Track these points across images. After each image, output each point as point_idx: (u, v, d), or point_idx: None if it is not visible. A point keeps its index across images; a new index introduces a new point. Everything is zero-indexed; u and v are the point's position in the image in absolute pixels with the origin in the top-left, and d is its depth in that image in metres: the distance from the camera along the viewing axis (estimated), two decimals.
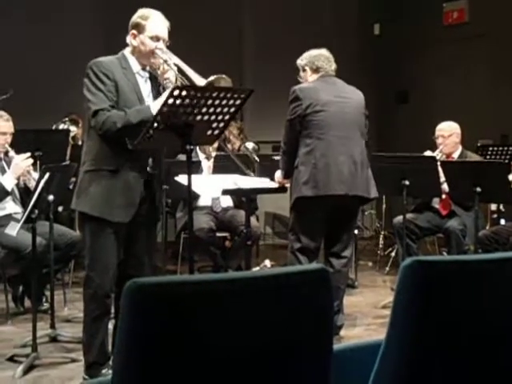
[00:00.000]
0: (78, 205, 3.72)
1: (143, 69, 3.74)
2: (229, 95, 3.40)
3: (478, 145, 7.37)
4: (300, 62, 4.82)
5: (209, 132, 3.53)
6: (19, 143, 5.38)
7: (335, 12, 9.44)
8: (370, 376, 1.76)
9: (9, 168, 5.17)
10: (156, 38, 3.66)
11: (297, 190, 4.58)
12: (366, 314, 5.57)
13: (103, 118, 3.53)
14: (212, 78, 3.51)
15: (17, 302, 5.51)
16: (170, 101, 3.20)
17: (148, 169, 3.74)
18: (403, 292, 1.65)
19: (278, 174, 4.83)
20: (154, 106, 3.49)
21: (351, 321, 5.32)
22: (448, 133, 6.09)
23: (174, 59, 3.64)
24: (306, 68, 4.78)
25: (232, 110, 3.47)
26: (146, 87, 3.75)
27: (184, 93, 3.21)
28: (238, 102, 3.46)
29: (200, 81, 3.53)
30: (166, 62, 3.62)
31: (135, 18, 3.72)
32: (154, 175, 3.79)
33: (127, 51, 3.76)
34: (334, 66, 4.77)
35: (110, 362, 3.71)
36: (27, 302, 5.44)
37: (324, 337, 1.75)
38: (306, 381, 1.73)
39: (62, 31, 7.91)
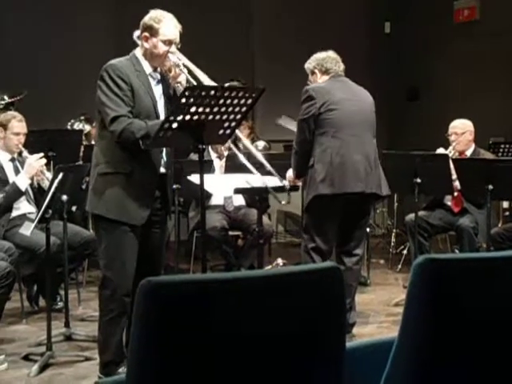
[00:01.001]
0: (95, 208, 3.72)
1: (154, 70, 3.75)
2: (240, 94, 3.41)
3: (490, 142, 7.35)
4: (308, 65, 4.81)
5: (221, 131, 3.55)
6: (32, 143, 5.41)
7: (345, 11, 9.43)
8: (382, 374, 1.77)
9: (22, 168, 5.20)
10: (169, 42, 3.66)
11: (313, 189, 4.56)
12: (379, 311, 5.57)
13: (123, 125, 3.53)
14: (226, 85, 3.54)
15: (31, 301, 5.54)
16: (183, 100, 3.22)
17: (161, 168, 3.76)
18: (415, 290, 1.66)
19: (290, 173, 4.83)
20: None
21: (363, 318, 5.32)
22: (461, 130, 6.08)
23: (186, 62, 3.66)
24: (316, 71, 4.76)
25: (244, 109, 3.48)
26: (157, 89, 3.75)
27: (196, 92, 3.23)
28: (249, 101, 3.47)
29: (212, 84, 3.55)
30: (177, 65, 3.63)
31: (148, 20, 3.70)
32: (166, 174, 3.81)
33: (138, 53, 3.75)
34: (342, 66, 4.77)
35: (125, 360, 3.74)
36: (42, 301, 5.48)
37: (337, 335, 1.76)
38: (319, 379, 1.74)
39: (75, 32, 7.94)
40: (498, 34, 8.30)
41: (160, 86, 3.77)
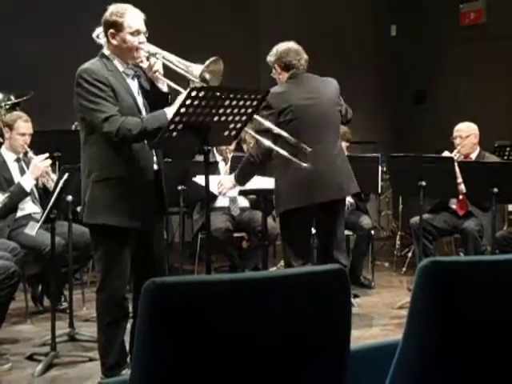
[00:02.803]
0: (94, 218, 3.59)
1: (127, 66, 3.63)
2: (245, 96, 3.41)
3: (496, 145, 7.34)
4: (269, 58, 4.66)
5: (226, 133, 3.54)
6: (38, 144, 5.41)
7: (351, 14, 9.42)
8: (386, 376, 1.77)
9: (28, 168, 5.22)
10: (137, 32, 3.55)
11: (281, 205, 4.53)
12: (383, 314, 5.56)
13: (117, 124, 3.42)
14: (207, 62, 3.47)
15: (36, 301, 5.55)
16: (188, 102, 3.21)
17: (154, 166, 3.67)
18: (420, 292, 1.66)
19: (227, 179, 4.72)
20: (170, 111, 3.44)
21: (368, 321, 5.32)
22: (466, 133, 6.07)
23: (157, 50, 3.57)
24: (275, 66, 4.62)
25: (249, 110, 3.48)
26: (134, 85, 3.65)
27: (201, 94, 3.23)
28: (254, 102, 3.47)
29: (192, 67, 3.46)
30: (152, 54, 3.55)
31: (110, 17, 3.57)
32: (160, 170, 3.70)
33: (107, 52, 3.63)
34: (304, 58, 4.59)
35: (129, 361, 3.73)
36: (46, 301, 5.48)
37: (341, 337, 1.76)
38: (323, 380, 1.74)
39: (81, 32, 7.95)
40: (504, 36, 8.29)
41: (135, 82, 3.66)
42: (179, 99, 3.45)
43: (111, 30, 3.56)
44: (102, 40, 3.73)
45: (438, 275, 1.64)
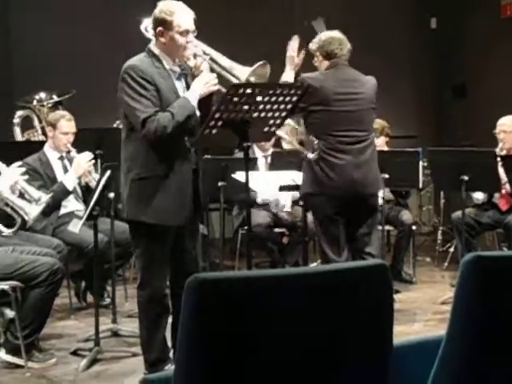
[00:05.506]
0: (135, 215, 3.61)
1: (173, 64, 3.62)
2: (285, 91, 3.40)
3: None
4: (311, 46, 4.59)
5: (265, 129, 3.54)
6: (80, 142, 5.46)
7: (391, 6, 9.34)
8: (428, 372, 1.76)
9: (71, 166, 5.27)
10: (186, 32, 3.53)
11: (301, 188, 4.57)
12: (425, 309, 5.52)
13: (154, 124, 3.42)
14: (255, 66, 3.47)
15: (79, 297, 5.61)
16: (228, 99, 3.22)
17: (192, 165, 3.67)
18: (464, 287, 1.64)
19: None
20: (191, 96, 3.48)
21: (410, 316, 5.28)
22: (510, 128, 5.98)
23: (206, 49, 3.57)
24: (317, 54, 4.56)
25: (288, 106, 3.47)
26: (179, 84, 3.64)
27: (241, 90, 3.23)
28: (294, 98, 3.47)
29: (239, 69, 3.49)
30: (199, 54, 3.54)
31: (159, 14, 3.54)
32: (197, 169, 3.70)
33: (155, 48, 3.61)
34: (347, 47, 4.53)
35: (171, 356, 3.76)
36: (89, 298, 5.54)
37: (383, 332, 1.75)
38: (366, 376, 1.74)
39: (124, 32, 8.02)
40: None
41: (182, 80, 3.66)
42: (195, 85, 3.49)
43: (160, 28, 3.54)
44: (150, 33, 3.72)
45: (482, 270, 1.62)
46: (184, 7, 3.59)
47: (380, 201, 5.10)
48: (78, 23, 7.93)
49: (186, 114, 3.46)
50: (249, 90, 3.26)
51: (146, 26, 3.80)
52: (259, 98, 3.32)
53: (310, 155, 4.18)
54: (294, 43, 4.31)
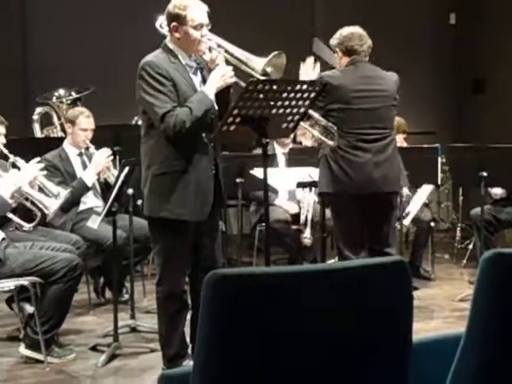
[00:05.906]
0: (156, 211, 3.60)
1: (189, 58, 3.63)
2: (303, 88, 3.40)
3: None
4: (332, 42, 4.58)
5: (284, 125, 3.54)
6: (99, 139, 5.49)
7: (411, 2, 9.29)
8: (447, 369, 1.75)
9: (90, 163, 5.30)
10: (200, 26, 3.54)
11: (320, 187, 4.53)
12: (443, 306, 5.50)
13: (172, 120, 3.44)
14: (270, 56, 3.46)
15: (98, 293, 5.64)
16: (246, 95, 3.22)
17: (212, 160, 3.66)
18: (483, 284, 1.64)
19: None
20: (208, 90, 3.49)
21: (428, 313, 5.27)
22: None
23: (221, 42, 3.57)
24: (337, 50, 4.53)
25: (307, 102, 3.46)
26: (196, 79, 3.65)
27: (259, 86, 3.23)
28: (312, 94, 3.46)
29: (255, 61, 3.47)
30: (214, 48, 3.55)
31: (172, 9, 3.56)
32: (217, 165, 3.71)
33: (170, 43, 3.62)
34: (367, 43, 4.49)
35: (189, 352, 3.77)
36: (108, 293, 5.57)
37: (403, 329, 1.75)
38: (385, 373, 1.74)
39: (141, 29, 8.05)
40: None
41: (198, 75, 3.67)
42: (212, 78, 3.52)
43: (174, 23, 3.56)
44: (165, 29, 3.72)
45: (501, 267, 1.62)
46: (197, 1, 3.61)
47: (404, 197, 5.07)
48: (101, 22, 7.97)
49: (204, 109, 3.47)
50: (267, 87, 3.25)
51: (161, 22, 3.81)
52: (277, 95, 3.31)
53: (330, 142, 4.15)
54: (307, 66, 4.27)
